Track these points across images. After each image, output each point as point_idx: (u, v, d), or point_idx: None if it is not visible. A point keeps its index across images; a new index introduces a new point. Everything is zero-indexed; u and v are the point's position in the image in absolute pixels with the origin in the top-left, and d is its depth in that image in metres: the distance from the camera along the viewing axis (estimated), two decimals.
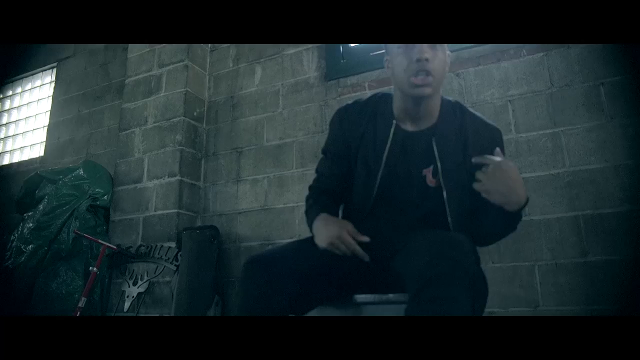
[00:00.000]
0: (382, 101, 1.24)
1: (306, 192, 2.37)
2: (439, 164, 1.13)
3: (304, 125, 2.59)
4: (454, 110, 1.21)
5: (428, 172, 1.16)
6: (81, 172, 2.85)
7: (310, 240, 1.14)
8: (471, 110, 1.25)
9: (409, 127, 1.19)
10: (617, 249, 1.80)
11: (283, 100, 2.70)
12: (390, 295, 1.11)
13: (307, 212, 1.27)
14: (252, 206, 2.60)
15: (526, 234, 1.94)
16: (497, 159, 0.98)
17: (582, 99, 1.98)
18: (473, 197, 1.07)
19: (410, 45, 1.09)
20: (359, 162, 1.22)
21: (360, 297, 1.15)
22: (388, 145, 1.17)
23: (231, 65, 2.92)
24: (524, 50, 2.15)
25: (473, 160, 1.01)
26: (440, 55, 1.10)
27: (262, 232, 2.53)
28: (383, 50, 1.28)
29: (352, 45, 2.60)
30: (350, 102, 1.32)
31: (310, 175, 2.44)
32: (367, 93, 2.45)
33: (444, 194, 1.14)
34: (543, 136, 2.01)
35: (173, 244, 2.49)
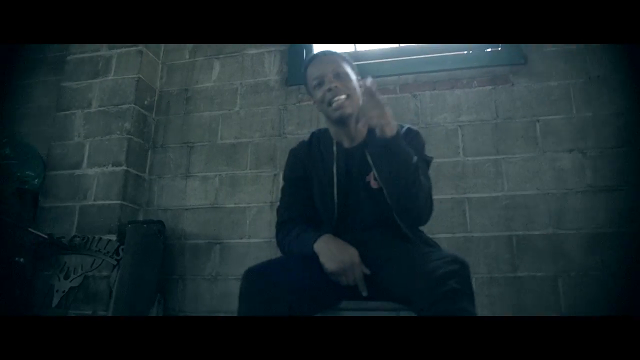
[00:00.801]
0: (322, 133, 1.46)
1: (259, 194, 2.43)
2: (374, 170, 1.30)
3: (261, 127, 2.61)
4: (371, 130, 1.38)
5: (370, 177, 1.32)
6: (7, 150, 2.59)
7: (309, 258, 1.20)
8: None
9: (347, 144, 1.39)
10: (542, 266, 2.06)
11: (241, 99, 2.69)
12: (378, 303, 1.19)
13: (298, 237, 1.28)
14: (202, 203, 2.55)
15: (466, 249, 2.15)
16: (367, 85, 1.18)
17: (522, 132, 2.24)
18: None
19: (321, 80, 1.34)
20: (315, 189, 1.38)
21: (350, 304, 1.21)
22: (334, 162, 1.35)
23: (187, 57, 2.84)
24: (475, 82, 2.37)
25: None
26: (351, 81, 1.34)
27: (210, 230, 2.49)
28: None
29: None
30: (295, 146, 1.51)
31: (265, 177, 2.49)
32: None
33: (385, 192, 1.28)
34: (487, 161, 2.24)
35: (114, 237, 2.36)
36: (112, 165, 2.50)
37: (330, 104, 1.31)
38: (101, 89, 2.66)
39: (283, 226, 1.37)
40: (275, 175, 2.50)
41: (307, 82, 1.43)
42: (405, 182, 1.19)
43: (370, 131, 1.33)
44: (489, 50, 2.42)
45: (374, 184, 1.32)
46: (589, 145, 2.16)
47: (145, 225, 2.33)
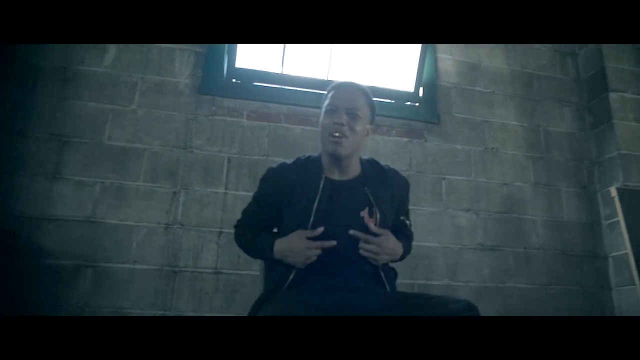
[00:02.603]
0: (309, 160, 1.37)
1: (152, 212, 2.08)
2: (375, 208, 1.27)
3: (162, 134, 2.23)
4: (372, 164, 1.39)
5: (365, 214, 1.27)
6: None
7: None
8: (383, 164, 1.44)
9: (336, 177, 1.32)
10: None
11: (140, 97, 2.27)
12: None
13: (253, 242, 1.34)
14: (73, 215, 2.03)
15: None
16: (380, 236, 1.22)
17: (430, 186, 2.40)
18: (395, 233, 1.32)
19: (335, 110, 1.28)
20: (287, 216, 1.29)
21: None
22: (318, 195, 1.26)
23: None
24: (394, 131, 2.47)
25: (351, 232, 1.21)
26: (359, 125, 1.28)
27: (82, 249, 1.99)
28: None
29: (237, 66, 2.44)
30: (276, 164, 1.38)
31: (162, 194, 2.14)
32: (244, 122, 2.33)
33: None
34: None
35: None
36: None
37: (331, 135, 1.25)
38: None
39: (240, 228, 1.41)
40: (175, 193, 2.16)
41: (324, 102, 1.35)
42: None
43: (364, 168, 1.35)
44: (408, 103, 2.55)
45: (369, 221, 1.25)
46: (482, 207, 2.43)
47: None
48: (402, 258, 1.35)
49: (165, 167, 2.19)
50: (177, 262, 2.08)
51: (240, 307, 2.07)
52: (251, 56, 2.53)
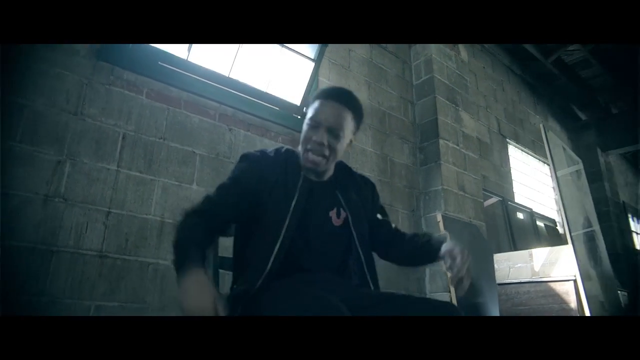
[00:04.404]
0: (290, 155, 1.39)
1: (30, 180, 1.82)
2: (346, 210, 1.35)
3: (49, 92, 1.93)
4: (343, 168, 1.46)
5: (333, 213, 1.35)
6: None
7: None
8: (352, 169, 1.56)
9: (313, 177, 1.37)
10: None
11: None
12: None
13: (186, 247, 1.08)
14: None
15: None
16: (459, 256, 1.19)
17: None
18: (370, 234, 1.39)
19: (316, 127, 1.28)
20: (265, 210, 1.26)
21: None
22: (297, 194, 1.29)
23: None
24: (280, 138, 2.67)
25: (441, 254, 1.29)
26: (340, 144, 1.31)
27: None
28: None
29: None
30: (255, 151, 1.36)
31: (43, 160, 1.90)
32: (144, 100, 2.21)
33: (354, 233, 1.35)
34: None
35: None
36: None
37: (309, 151, 1.28)
38: None
39: (193, 215, 1.17)
40: (59, 162, 1.89)
41: (309, 108, 1.36)
42: None
43: (337, 171, 1.41)
44: (294, 115, 2.79)
45: (336, 221, 1.33)
46: None
47: None
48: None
49: (48, 129, 1.90)
50: (55, 241, 1.82)
51: (126, 296, 1.93)
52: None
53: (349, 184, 1.42)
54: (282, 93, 2.80)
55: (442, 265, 1.28)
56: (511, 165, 4.80)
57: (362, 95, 3.27)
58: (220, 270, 1.36)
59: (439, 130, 3.44)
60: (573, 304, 2.58)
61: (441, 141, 3.42)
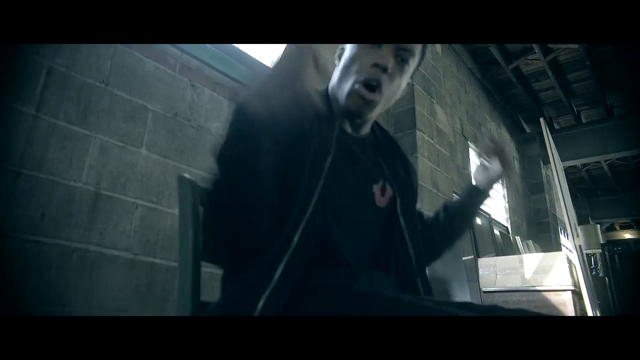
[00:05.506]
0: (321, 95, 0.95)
1: None
2: (394, 187, 0.95)
3: None
4: (382, 129, 1.06)
5: (377, 189, 0.93)
6: None
7: None
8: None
9: (348, 129, 0.96)
10: None
11: None
12: None
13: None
14: None
15: None
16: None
17: None
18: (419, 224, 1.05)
19: (379, 44, 0.88)
20: (289, 169, 0.80)
21: None
22: (332, 148, 0.86)
23: None
24: None
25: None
26: (405, 76, 0.94)
27: None
28: None
29: None
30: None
31: None
32: None
33: (401, 220, 0.93)
34: None
35: None
36: None
37: (360, 83, 0.87)
38: None
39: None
40: None
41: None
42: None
43: (374, 128, 1.01)
44: None
45: (379, 201, 0.92)
46: None
47: None
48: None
49: None
50: None
51: (34, 293, 1.35)
52: None
53: (395, 154, 1.02)
54: (257, 54, 2.32)
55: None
56: (471, 169, 4.65)
57: None
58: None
59: (416, 121, 3.12)
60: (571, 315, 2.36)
61: (418, 132, 3.11)
